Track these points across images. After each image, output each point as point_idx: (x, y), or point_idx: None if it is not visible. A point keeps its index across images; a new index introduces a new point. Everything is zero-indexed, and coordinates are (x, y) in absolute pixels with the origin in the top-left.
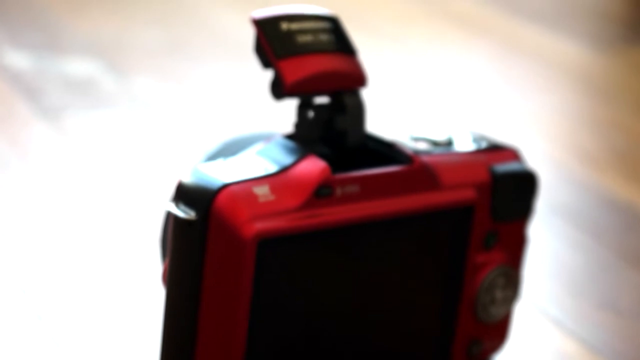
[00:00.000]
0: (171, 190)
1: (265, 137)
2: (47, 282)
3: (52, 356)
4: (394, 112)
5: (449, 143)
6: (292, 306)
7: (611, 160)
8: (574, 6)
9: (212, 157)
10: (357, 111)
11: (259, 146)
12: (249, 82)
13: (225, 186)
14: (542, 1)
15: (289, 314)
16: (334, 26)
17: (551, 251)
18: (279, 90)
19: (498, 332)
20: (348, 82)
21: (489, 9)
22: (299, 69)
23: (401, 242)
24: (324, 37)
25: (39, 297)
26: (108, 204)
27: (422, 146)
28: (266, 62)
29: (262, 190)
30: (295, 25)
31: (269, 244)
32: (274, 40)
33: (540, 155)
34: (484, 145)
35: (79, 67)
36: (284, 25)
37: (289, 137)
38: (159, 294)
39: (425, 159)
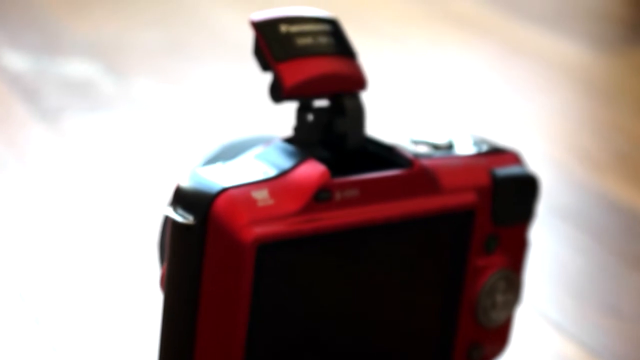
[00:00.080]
0: (169, 194)
1: (264, 141)
2: (44, 285)
3: None
4: (393, 113)
5: (449, 146)
6: (292, 311)
7: (612, 162)
8: (575, 7)
9: (211, 160)
10: (357, 114)
11: (257, 150)
12: (248, 84)
13: (224, 190)
14: (543, 2)
15: (288, 319)
16: (333, 28)
17: (551, 253)
18: (278, 93)
19: (499, 336)
20: (348, 85)
21: (489, 10)
22: (298, 71)
23: (401, 246)
24: (324, 40)
25: (36, 300)
26: (106, 207)
27: (422, 149)
28: (265, 65)
29: (261, 195)
30: (294, 28)
31: (268, 248)
32: (273, 43)
33: (540, 156)
34: (484, 148)
35: (77, 68)
36: (283, 28)
37: (288, 140)
38: (156, 299)
39: (425, 162)
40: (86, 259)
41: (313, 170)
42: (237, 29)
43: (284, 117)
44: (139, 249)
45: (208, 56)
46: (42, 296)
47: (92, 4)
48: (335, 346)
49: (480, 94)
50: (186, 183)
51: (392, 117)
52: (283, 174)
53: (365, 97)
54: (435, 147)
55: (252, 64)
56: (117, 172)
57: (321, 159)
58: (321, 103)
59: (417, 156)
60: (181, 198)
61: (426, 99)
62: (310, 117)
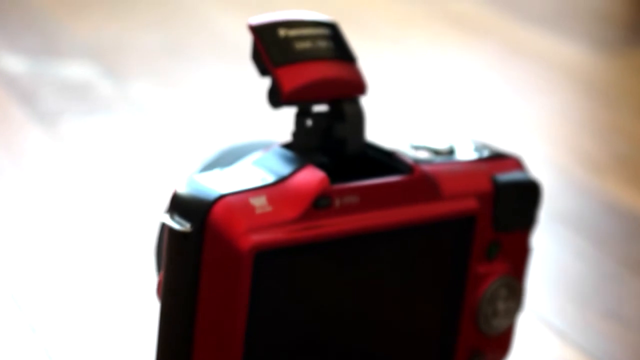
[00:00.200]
0: (167, 199)
1: (263, 146)
2: (40, 292)
3: None
4: (393, 116)
5: (450, 152)
6: (290, 319)
7: (613, 165)
8: (575, 8)
9: (209, 165)
10: (357, 119)
11: (256, 155)
12: (248, 86)
13: (222, 197)
14: (543, 3)
15: (286, 328)
16: (333, 32)
17: (552, 258)
18: (276, 98)
19: (501, 344)
20: (347, 89)
21: (489, 11)
22: (297, 76)
23: (401, 253)
24: (323, 44)
25: (32, 308)
26: (103, 212)
27: (422, 155)
28: (263, 70)
29: (259, 202)
30: (293, 32)
31: (266, 256)
32: (272, 47)
33: (541, 159)
34: (486, 154)
35: (75, 71)
36: (282, 32)
37: (287, 146)
38: (153, 307)
39: (426, 168)
40: (83, 265)
41: (312, 176)
42: (237, 31)
43: (284, 120)
44: (136, 256)
45: (207, 58)
46: (38, 303)
47: (91, 6)
48: (335, 354)
49: (480, 95)
50: (183, 189)
51: (392, 120)
52: (281, 180)
53: (365, 99)
54: (436, 152)
55: (252, 67)
56: (115, 177)
57: (320, 165)
58: (320, 108)
59: (418, 162)
60: (178, 205)
61: (426, 100)
62: (309, 122)
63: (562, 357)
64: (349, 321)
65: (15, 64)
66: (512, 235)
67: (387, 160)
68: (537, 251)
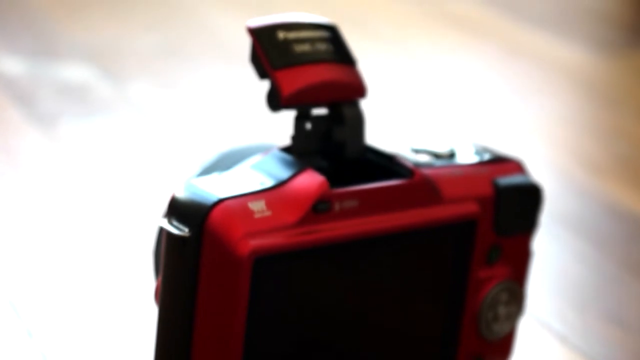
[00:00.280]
0: (166, 203)
1: (262, 149)
2: (37, 297)
3: None
4: (393, 117)
5: (451, 155)
6: (289, 325)
7: (613, 167)
8: (576, 9)
9: (208, 169)
10: (356, 122)
11: (254, 159)
12: (247, 88)
13: (220, 201)
14: (544, 4)
15: (286, 333)
16: (332, 35)
17: (553, 262)
18: (275, 101)
19: (502, 348)
20: (347, 92)
21: (489, 12)
22: (296, 79)
23: (402, 257)
24: (322, 47)
25: (29, 312)
26: (102, 216)
27: (423, 158)
28: (262, 73)
29: (258, 206)
30: (292, 35)
31: (265, 261)
32: (271, 50)
33: (541, 160)
34: (487, 157)
35: (73, 72)
36: (281, 35)
37: (286, 149)
38: (151, 312)
39: (426, 172)
40: (80, 269)
41: (311, 180)
42: (236, 32)
43: (284, 122)
44: (134, 260)
45: (206, 59)
46: (35, 308)
47: (89, 7)
48: (334, 359)
49: (480, 96)
50: (181, 194)
51: (392, 121)
52: (280, 184)
53: (365, 101)
54: (437, 156)
55: (251, 68)
56: (113, 180)
57: (320, 169)
58: (320, 111)
59: (418, 165)
60: (176, 209)
61: (426, 102)
62: (308, 125)
63: None
64: (348, 326)
65: (14, 65)
66: (513, 239)
67: (387, 164)
68: (537, 253)
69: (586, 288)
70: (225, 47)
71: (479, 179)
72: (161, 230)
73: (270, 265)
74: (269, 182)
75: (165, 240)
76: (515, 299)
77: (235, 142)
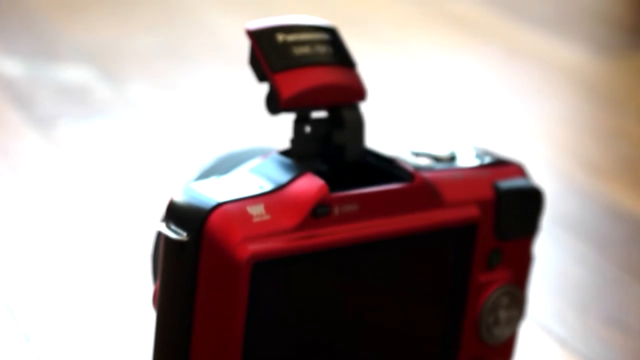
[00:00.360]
0: (164, 206)
1: (261, 153)
2: (34, 300)
3: None
4: (393, 118)
5: (451, 158)
6: (289, 330)
7: (614, 169)
8: (577, 10)
9: (206, 172)
10: (356, 126)
11: (253, 163)
12: (247, 89)
13: (218, 205)
14: (544, 5)
15: (285, 338)
16: (332, 37)
17: (553, 265)
18: (274, 104)
19: (503, 353)
20: (346, 95)
21: (490, 13)
22: (295, 82)
23: (402, 261)
24: (322, 49)
25: (26, 316)
26: (100, 218)
27: (423, 162)
28: (261, 76)
29: (256, 210)
30: (291, 37)
31: (264, 266)
32: (270, 53)
33: (541, 162)
34: (487, 160)
35: (72, 74)
36: (280, 37)
37: (285, 153)
38: (149, 317)
39: (426, 175)
40: (78, 273)
41: (311, 184)
42: (236, 33)
43: (284, 123)
44: (132, 264)
45: (206, 60)
46: (32, 312)
47: (89, 8)
48: None
49: (481, 98)
50: (179, 198)
51: (392, 122)
52: (280, 188)
53: (365, 103)
54: (437, 159)
55: (250, 71)
56: (112, 182)
57: (319, 173)
58: (319, 114)
59: (418, 169)
60: (174, 213)
61: (426, 103)
62: (307, 129)
63: None
64: (348, 331)
65: (12, 66)
66: (514, 243)
67: (387, 167)
68: (539, 258)
69: (587, 290)
70: (226, 48)
71: (480, 183)
72: (159, 235)
73: (269, 269)
74: (268, 186)
75: (163, 245)
76: (516, 303)
77: (234, 145)
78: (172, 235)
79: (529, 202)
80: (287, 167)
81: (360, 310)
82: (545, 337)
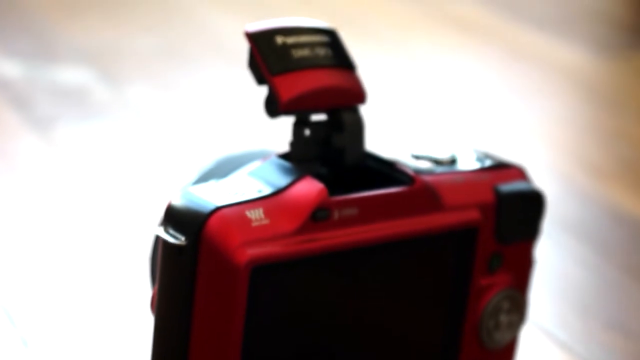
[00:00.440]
0: (162, 210)
1: (260, 156)
2: (33, 305)
3: None
4: (393, 118)
5: (452, 161)
6: (288, 335)
7: (616, 171)
8: (577, 11)
9: (205, 175)
10: (356, 129)
11: (252, 166)
12: (247, 91)
13: (217, 209)
14: (545, 6)
15: (284, 343)
16: (331, 40)
17: (554, 268)
18: (273, 108)
19: (503, 357)
20: (346, 98)
21: (490, 14)
22: (294, 85)
23: (402, 265)
24: (321, 52)
25: (24, 320)
26: (98, 221)
27: (423, 165)
28: (260, 79)
29: (255, 214)
30: (291, 39)
31: (263, 270)
32: (269, 55)
33: (541, 164)
34: (488, 163)
35: (71, 75)
36: (279, 39)
37: (284, 156)
38: (147, 321)
39: (427, 178)
40: (76, 276)
41: (310, 188)
42: (235, 34)
43: (284, 125)
44: (131, 268)
45: (205, 62)
46: (30, 316)
47: (87, 10)
48: None
49: (481, 99)
50: (178, 201)
51: (392, 123)
52: (279, 192)
53: (367, 103)
54: (437, 162)
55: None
56: (110, 185)
57: (318, 176)
58: (319, 117)
59: (419, 172)
60: (172, 217)
61: (427, 105)
62: (307, 132)
63: None
64: (348, 336)
65: (11, 67)
66: (515, 246)
67: (387, 171)
68: (540, 260)
69: (588, 294)
70: (225, 49)
71: (480, 186)
72: (157, 239)
73: (268, 274)
74: (267, 190)
75: (161, 249)
76: (517, 308)
77: (233, 147)
78: (170, 240)
79: (530, 206)
80: (286, 171)
81: (360, 314)
82: (546, 340)
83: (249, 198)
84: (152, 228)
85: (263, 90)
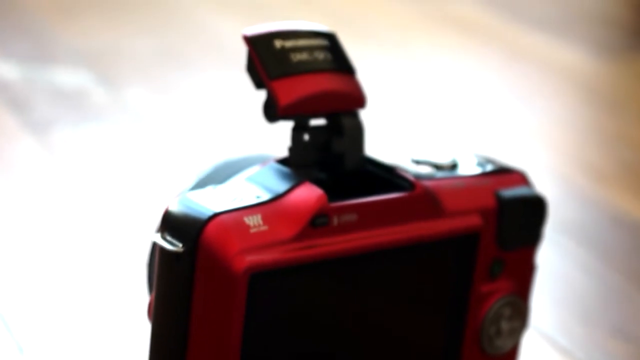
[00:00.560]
0: (160, 216)
1: (259, 161)
2: (29, 310)
3: None
4: (393, 119)
5: (452, 166)
6: (287, 342)
7: (617, 173)
8: (578, 12)
9: (203, 180)
10: (356, 133)
11: (251, 171)
12: (246, 94)
13: (215, 216)
14: (545, 7)
15: (283, 350)
16: (331, 43)
17: (555, 272)
18: (272, 112)
19: None
20: (346, 102)
21: (491, 15)
22: (293, 89)
23: (402, 272)
24: (320, 55)
25: (20, 326)
26: (95, 226)
27: (424, 170)
28: (259, 83)
29: (254, 220)
30: (289, 43)
31: (262, 277)
32: (267, 59)
33: (542, 167)
34: (489, 168)
35: (68, 78)
36: (278, 43)
37: (283, 161)
38: (144, 329)
39: (427, 184)
40: (73, 282)
41: (309, 194)
42: (234, 37)
43: (283, 130)
44: (128, 273)
45: (204, 64)
46: (26, 322)
47: (85, 11)
48: None
49: (481, 100)
50: (175, 208)
51: (392, 124)
52: (277, 198)
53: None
54: (438, 167)
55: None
56: (107, 190)
57: (318, 182)
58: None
59: (419, 177)
60: (169, 224)
61: (427, 105)
62: (306, 137)
63: None
64: (348, 343)
65: (7, 70)
66: (516, 252)
67: (387, 176)
68: (541, 265)
69: (590, 300)
70: (224, 52)
71: (482, 191)
72: (154, 245)
73: (266, 281)
74: (265, 196)
75: (158, 256)
76: (519, 314)
77: (232, 151)
78: (168, 246)
79: (531, 211)
80: (285, 176)
81: (360, 322)
82: (547, 346)
83: (247, 204)
84: (150, 234)
85: (262, 94)
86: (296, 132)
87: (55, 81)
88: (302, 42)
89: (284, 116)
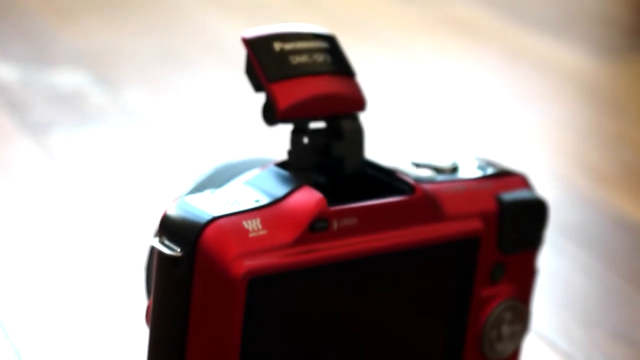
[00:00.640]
0: (158, 219)
1: (257, 164)
2: (27, 315)
3: None
4: (393, 120)
5: (453, 169)
6: (286, 347)
7: (618, 175)
8: (579, 14)
9: (202, 183)
10: (356, 137)
11: (249, 175)
12: (245, 95)
13: (213, 220)
14: (546, 8)
15: (282, 357)
16: (330, 46)
17: (555, 275)
18: (271, 115)
19: None
20: (345, 106)
21: (491, 17)
22: (292, 92)
23: (402, 276)
24: (320, 58)
25: (17, 331)
26: (93, 230)
27: (424, 173)
28: (258, 86)
29: (252, 225)
30: (289, 46)
31: (260, 282)
32: (266, 62)
33: (542, 168)
34: (490, 171)
35: (67, 79)
36: (277, 46)
37: (282, 165)
38: (142, 334)
39: (428, 187)
40: (70, 287)
41: (308, 198)
42: (234, 38)
43: (282, 133)
44: (126, 277)
45: (203, 65)
46: (23, 328)
47: (84, 12)
48: None
49: (482, 101)
50: (173, 211)
51: (392, 126)
52: (276, 202)
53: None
54: (438, 170)
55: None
56: (106, 193)
57: (317, 185)
58: (317, 125)
59: (419, 181)
60: (168, 228)
61: (427, 107)
62: (305, 140)
63: None
64: (348, 348)
65: (5, 72)
66: (517, 256)
67: (387, 179)
68: (542, 269)
69: (591, 303)
70: (224, 52)
71: (482, 195)
72: (152, 249)
73: (265, 286)
74: (264, 200)
75: (156, 260)
76: (520, 318)
77: (231, 154)
78: (166, 251)
79: (532, 215)
80: (284, 180)
81: (360, 327)
82: (548, 350)
83: (246, 208)
84: (148, 238)
85: (261, 97)
86: (295, 135)
87: (54, 82)
88: (301, 45)
89: (283, 119)
